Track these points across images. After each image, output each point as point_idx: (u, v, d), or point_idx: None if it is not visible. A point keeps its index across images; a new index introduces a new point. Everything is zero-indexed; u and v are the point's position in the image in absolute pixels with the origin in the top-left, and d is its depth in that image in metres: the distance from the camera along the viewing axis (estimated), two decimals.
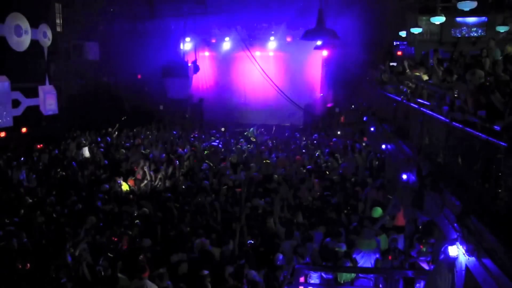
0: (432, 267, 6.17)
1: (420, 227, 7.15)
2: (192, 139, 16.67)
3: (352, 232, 7.24)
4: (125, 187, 10.23)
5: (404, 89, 9.58)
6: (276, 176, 10.60)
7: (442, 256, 5.41)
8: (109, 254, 6.49)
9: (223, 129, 18.81)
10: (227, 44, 20.49)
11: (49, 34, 14.69)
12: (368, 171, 10.84)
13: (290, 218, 7.98)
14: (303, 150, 13.93)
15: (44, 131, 15.28)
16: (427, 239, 6.44)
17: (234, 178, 10.78)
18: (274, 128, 18.32)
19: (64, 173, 11.20)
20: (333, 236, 7.07)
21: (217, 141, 15.88)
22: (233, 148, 14.42)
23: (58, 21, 15.87)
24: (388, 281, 6.29)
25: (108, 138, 15.48)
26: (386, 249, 6.92)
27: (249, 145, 15.05)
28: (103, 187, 9.87)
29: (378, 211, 7.72)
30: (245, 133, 17.84)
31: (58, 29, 15.95)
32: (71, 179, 10.41)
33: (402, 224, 7.46)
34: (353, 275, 6.51)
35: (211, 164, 11.91)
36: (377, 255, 6.72)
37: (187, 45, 19.99)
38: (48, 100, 14.89)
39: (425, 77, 9.39)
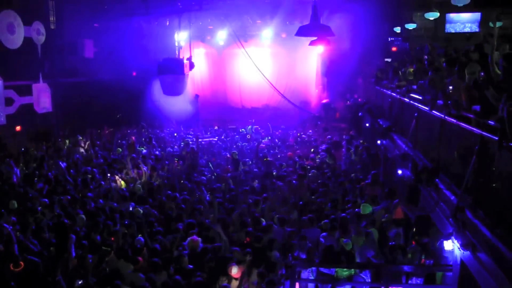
0: (428, 262, 6.20)
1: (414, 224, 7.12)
2: (187, 136, 16.63)
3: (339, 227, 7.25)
4: (122, 184, 10.20)
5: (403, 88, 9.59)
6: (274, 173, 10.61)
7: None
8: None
9: (216, 127, 18.76)
10: (222, 41, 20.39)
11: (43, 31, 14.54)
12: (363, 167, 10.85)
13: (284, 215, 7.97)
14: (296, 146, 13.94)
15: (38, 130, 15.16)
16: (421, 238, 6.45)
17: (233, 175, 10.77)
18: (270, 127, 18.22)
19: (57, 172, 11.12)
20: (328, 232, 7.09)
21: (216, 139, 15.85)
22: (234, 146, 14.41)
23: (51, 18, 15.71)
24: (384, 277, 6.31)
25: (103, 136, 15.41)
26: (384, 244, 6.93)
27: (245, 143, 15.04)
28: (100, 184, 9.84)
29: (368, 208, 7.68)
30: (240, 130, 17.80)
31: (52, 26, 15.79)
32: (63, 177, 10.33)
33: (401, 217, 7.46)
34: (352, 271, 6.53)
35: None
36: (370, 251, 6.72)
37: (182, 41, 19.88)
38: (42, 98, 14.78)
39: (411, 71, 9.43)
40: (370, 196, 8.48)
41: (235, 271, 6.05)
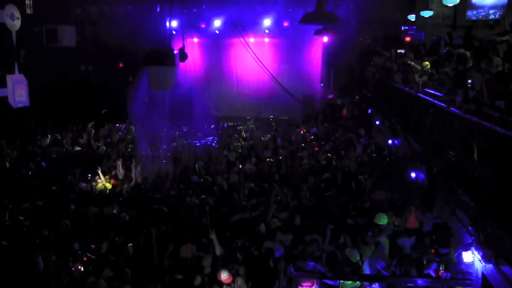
0: (445, 275, 6.12)
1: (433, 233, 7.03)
2: (180, 134, 16.58)
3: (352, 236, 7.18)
4: (100, 186, 10.13)
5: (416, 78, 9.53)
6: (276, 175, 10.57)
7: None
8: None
9: (212, 126, 18.70)
10: (218, 30, 20.29)
11: (18, 16, 14.32)
12: (372, 169, 10.80)
13: (286, 221, 7.91)
14: (303, 145, 13.88)
15: (13, 126, 15.04)
16: (440, 248, 6.37)
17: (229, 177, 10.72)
18: (271, 124, 18.13)
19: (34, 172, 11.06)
20: (333, 240, 7.04)
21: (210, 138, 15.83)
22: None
23: (28, 1, 15.55)
24: None
25: (86, 133, 15.30)
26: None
27: (244, 141, 14.98)
28: (80, 185, 9.78)
29: (383, 219, 7.55)
30: (238, 128, 17.71)
31: (28, 10, 15.64)
32: (42, 178, 10.28)
33: (415, 226, 7.38)
34: (358, 283, 6.48)
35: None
36: (380, 263, 6.67)
37: (173, 30, 19.76)
38: (17, 91, 14.55)
39: (426, 64, 9.38)
40: (377, 202, 8.41)
41: (225, 276, 6.02)
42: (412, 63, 10.24)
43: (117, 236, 7.42)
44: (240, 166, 11.53)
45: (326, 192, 9.40)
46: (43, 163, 11.64)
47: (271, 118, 19.27)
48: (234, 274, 6.24)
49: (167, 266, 6.60)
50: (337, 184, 9.92)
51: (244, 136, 15.83)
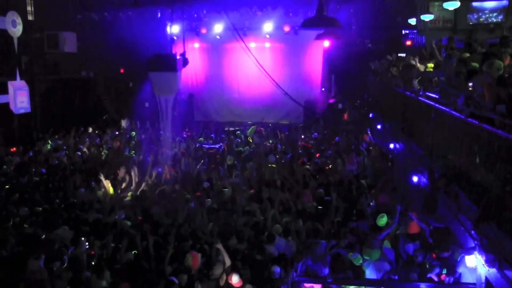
0: (448, 279, 6.11)
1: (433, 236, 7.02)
2: (181, 139, 16.59)
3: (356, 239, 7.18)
4: (100, 192, 10.15)
5: (415, 82, 9.55)
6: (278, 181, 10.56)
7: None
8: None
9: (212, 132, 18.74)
10: (218, 35, 20.37)
11: (19, 22, 14.45)
12: (374, 173, 10.80)
13: (287, 225, 7.91)
14: (300, 151, 13.89)
15: (15, 132, 15.10)
16: (440, 252, 6.35)
17: (230, 182, 10.73)
18: (273, 129, 18.13)
19: (37, 178, 11.08)
20: (336, 244, 7.02)
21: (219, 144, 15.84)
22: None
23: (29, 8, 15.69)
24: None
25: (87, 138, 15.35)
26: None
27: (247, 147, 14.98)
28: (80, 191, 9.79)
29: (383, 220, 7.55)
30: (237, 132, 17.72)
31: (30, 17, 15.78)
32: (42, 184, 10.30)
33: (416, 231, 7.36)
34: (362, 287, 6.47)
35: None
36: (385, 266, 6.66)
37: (174, 35, 19.86)
38: (19, 97, 14.68)
39: (430, 66, 9.38)
40: (383, 205, 8.39)
41: (236, 279, 6.00)
42: (416, 60, 10.20)
43: (118, 243, 7.38)
44: (237, 173, 11.57)
45: (327, 197, 9.39)
46: (43, 170, 11.67)
47: (270, 125, 19.29)
48: (244, 280, 6.21)
49: (168, 272, 6.54)
50: (338, 188, 9.92)
51: (251, 140, 15.82)
